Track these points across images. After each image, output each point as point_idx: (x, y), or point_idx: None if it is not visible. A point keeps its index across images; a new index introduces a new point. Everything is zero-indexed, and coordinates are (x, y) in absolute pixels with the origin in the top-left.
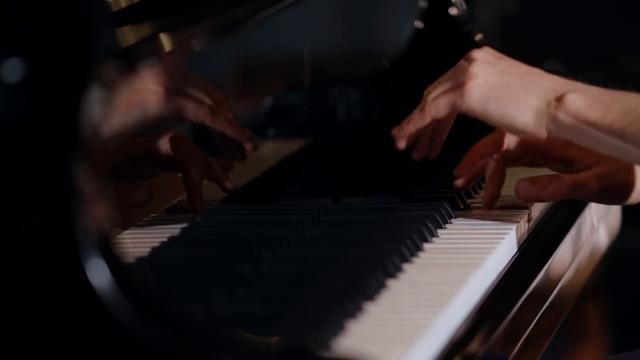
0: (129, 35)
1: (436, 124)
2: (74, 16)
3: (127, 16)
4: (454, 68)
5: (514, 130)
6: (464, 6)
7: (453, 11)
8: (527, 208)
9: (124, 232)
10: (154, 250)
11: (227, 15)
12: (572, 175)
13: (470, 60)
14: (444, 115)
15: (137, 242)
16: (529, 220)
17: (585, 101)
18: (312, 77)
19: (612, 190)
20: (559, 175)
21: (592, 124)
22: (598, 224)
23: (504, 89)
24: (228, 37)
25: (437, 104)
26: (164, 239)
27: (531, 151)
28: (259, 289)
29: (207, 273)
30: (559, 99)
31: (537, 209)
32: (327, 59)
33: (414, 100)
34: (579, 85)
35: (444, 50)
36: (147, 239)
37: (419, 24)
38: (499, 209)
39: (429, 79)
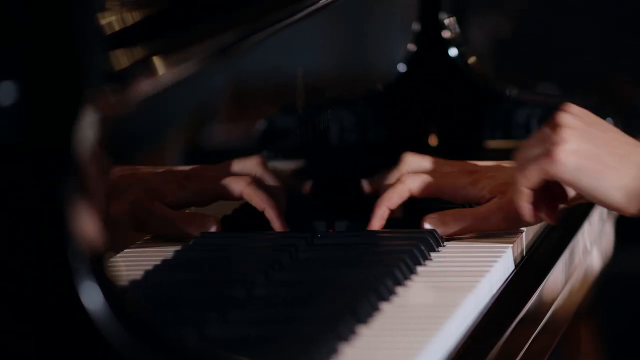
0: (122, 59)
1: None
2: (68, 39)
3: (120, 39)
4: (536, 135)
5: (602, 204)
6: (457, 29)
7: (446, 34)
8: (520, 231)
9: (118, 255)
10: (148, 273)
11: (220, 38)
12: (475, 210)
13: (558, 126)
14: (536, 185)
15: (130, 265)
16: (522, 243)
17: None
18: (306, 99)
19: (516, 217)
20: (462, 211)
21: None
22: (591, 247)
23: (596, 162)
24: (222, 60)
25: (527, 174)
26: (158, 262)
27: (438, 195)
28: (252, 312)
29: (200, 296)
30: None
31: (530, 233)
32: (320, 81)
33: (407, 122)
34: None
35: (438, 73)
36: (141, 262)
37: (412, 46)
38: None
39: (423, 102)
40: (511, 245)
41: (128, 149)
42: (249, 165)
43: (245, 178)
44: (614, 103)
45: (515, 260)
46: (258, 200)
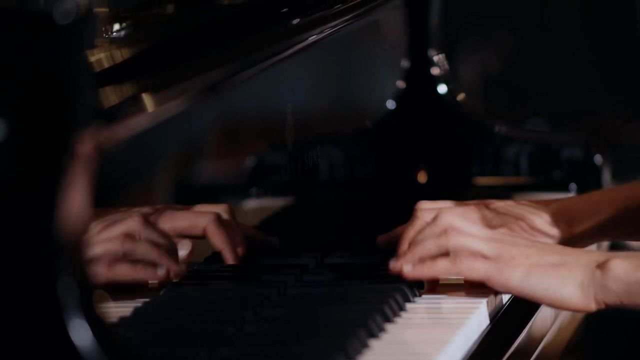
0: (111, 96)
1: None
2: (57, 76)
3: (109, 76)
4: (491, 232)
5: (557, 303)
6: (446, 66)
7: (435, 71)
8: None
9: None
10: (137, 310)
11: (209, 75)
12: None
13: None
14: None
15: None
16: None
17: (630, 263)
18: (295, 136)
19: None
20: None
21: None
22: None
23: (543, 264)
24: (210, 97)
25: (472, 267)
26: (147, 299)
27: None
28: (242, 348)
29: (189, 333)
30: (603, 268)
31: None
32: (309, 118)
33: (397, 159)
34: (612, 254)
35: (427, 110)
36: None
37: (401, 83)
38: None
39: (412, 138)
40: None
41: (117, 185)
42: (218, 209)
43: (210, 214)
44: (603, 140)
45: (504, 296)
46: (218, 238)
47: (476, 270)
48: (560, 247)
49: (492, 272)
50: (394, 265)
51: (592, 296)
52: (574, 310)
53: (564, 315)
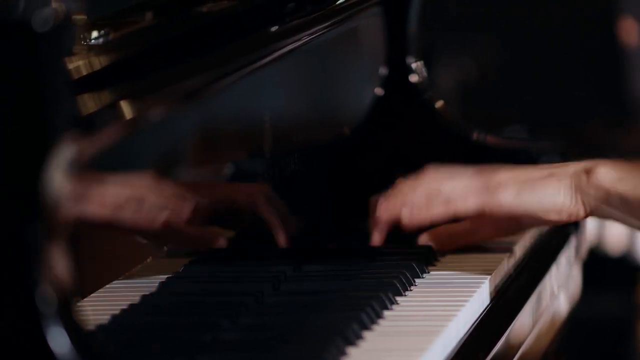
0: (89, 103)
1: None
2: (35, 83)
3: (88, 83)
4: (476, 170)
5: (552, 214)
6: (425, 73)
7: (414, 78)
8: (489, 274)
9: (85, 299)
10: (114, 317)
11: (187, 82)
12: (464, 224)
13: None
14: (468, 214)
15: (97, 309)
16: (489, 287)
17: (615, 173)
18: (272, 144)
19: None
20: (453, 227)
21: (624, 196)
22: (558, 290)
23: (532, 179)
24: (188, 104)
25: (466, 201)
26: (125, 306)
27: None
28: (218, 356)
29: (167, 341)
30: (590, 173)
31: (498, 276)
32: (287, 125)
33: (374, 167)
34: (601, 161)
35: (405, 117)
36: (108, 306)
37: (379, 90)
38: (458, 271)
39: (390, 145)
40: (478, 289)
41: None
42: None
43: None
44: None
45: (482, 305)
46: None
47: (470, 204)
48: (546, 165)
49: (485, 200)
50: (385, 208)
51: (580, 201)
52: (568, 219)
53: (543, 322)
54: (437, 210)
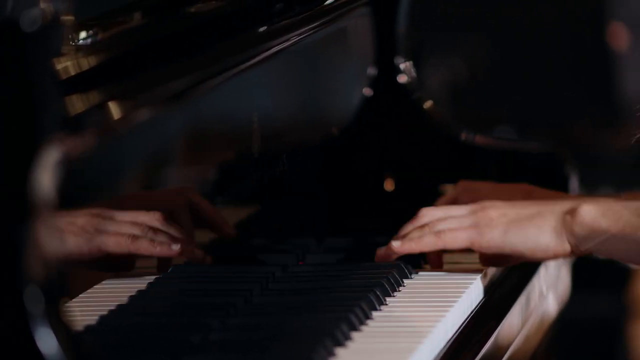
0: (77, 103)
1: None
2: (23, 83)
3: (76, 84)
4: (469, 206)
5: (538, 252)
6: (413, 73)
7: (402, 79)
8: (477, 275)
9: (73, 300)
10: (102, 317)
11: (176, 82)
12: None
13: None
14: (456, 249)
15: (85, 310)
16: (478, 288)
17: (597, 209)
18: (261, 144)
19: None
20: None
21: (607, 231)
22: (547, 292)
23: (520, 218)
24: (177, 105)
25: (455, 236)
26: (113, 307)
27: None
28: (206, 357)
29: (155, 341)
30: (573, 213)
31: (487, 277)
32: (276, 126)
33: (363, 167)
34: (587, 199)
35: (394, 118)
36: (96, 306)
37: (368, 91)
38: (447, 271)
39: (379, 146)
40: (466, 290)
41: (83, 192)
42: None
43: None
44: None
45: (471, 305)
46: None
47: (459, 239)
48: (541, 200)
49: (474, 237)
50: (383, 248)
51: (565, 240)
52: (555, 257)
53: (531, 323)
54: (426, 243)
